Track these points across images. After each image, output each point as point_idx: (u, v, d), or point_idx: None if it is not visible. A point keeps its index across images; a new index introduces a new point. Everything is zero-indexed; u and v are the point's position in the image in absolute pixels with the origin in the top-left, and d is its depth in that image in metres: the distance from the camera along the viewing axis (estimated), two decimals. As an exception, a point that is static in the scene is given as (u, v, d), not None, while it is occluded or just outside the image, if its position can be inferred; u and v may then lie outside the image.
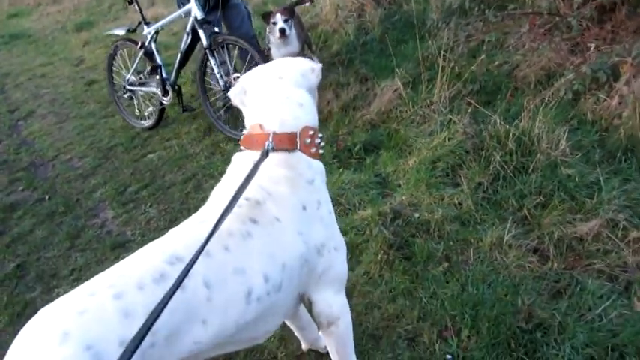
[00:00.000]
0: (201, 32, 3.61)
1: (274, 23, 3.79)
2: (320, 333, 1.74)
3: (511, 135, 2.63)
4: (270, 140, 1.37)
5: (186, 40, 3.84)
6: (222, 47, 3.69)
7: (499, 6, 4.09)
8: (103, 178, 3.80)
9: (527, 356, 1.83)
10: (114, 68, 4.43)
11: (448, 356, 1.90)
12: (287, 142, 1.39)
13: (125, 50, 4.29)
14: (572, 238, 2.21)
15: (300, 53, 4.10)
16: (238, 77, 3.58)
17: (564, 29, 3.62)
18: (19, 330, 2.54)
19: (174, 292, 0.99)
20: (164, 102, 4.12)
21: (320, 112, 3.65)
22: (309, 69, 1.53)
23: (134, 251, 2.94)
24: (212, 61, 3.62)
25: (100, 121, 4.80)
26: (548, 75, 3.33)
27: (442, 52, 3.42)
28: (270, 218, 1.31)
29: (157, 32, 4.07)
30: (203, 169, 3.59)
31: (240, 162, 1.43)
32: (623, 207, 2.25)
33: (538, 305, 2.01)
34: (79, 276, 2.84)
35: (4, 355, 2.40)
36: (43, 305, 2.62)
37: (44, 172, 4.14)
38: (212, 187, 3.30)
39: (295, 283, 1.35)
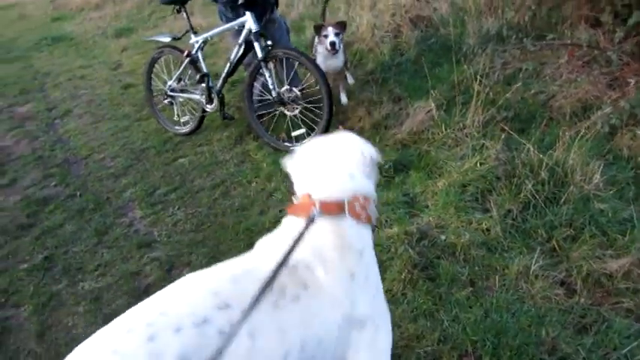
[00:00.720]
0: (256, 44, 3.67)
1: (326, 36, 3.89)
2: None
3: (544, 164, 2.60)
4: (318, 207, 1.35)
5: (237, 51, 3.89)
6: (274, 60, 3.76)
7: (537, 35, 4.09)
8: (134, 178, 3.87)
9: (549, 388, 1.79)
10: (153, 74, 4.52)
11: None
12: (334, 209, 1.37)
13: (170, 57, 4.37)
14: (602, 274, 2.16)
15: (343, 68, 4.17)
16: (290, 89, 3.70)
17: (603, 63, 3.60)
18: (42, 319, 2.58)
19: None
20: (207, 110, 4.18)
21: (351, 128, 3.71)
22: (368, 153, 1.53)
23: (162, 250, 2.97)
24: (266, 72, 3.69)
25: (134, 124, 4.90)
26: (584, 107, 3.30)
27: (478, 77, 3.43)
28: (319, 285, 1.27)
29: (204, 42, 4.15)
30: (232, 176, 3.63)
31: (290, 225, 1.39)
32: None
33: (562, 339, 1.97)
34: (103, 272, 2.89)
35: (26, 337, 2.43)
36: (68, 298, 2.67)
37: (77, 169, 4.24)
38: (240, 195, 3.38)
39: (331, 356, 1.28)
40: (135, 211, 3.44)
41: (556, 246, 2.37)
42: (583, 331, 2.03)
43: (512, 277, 2.27)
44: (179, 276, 2.72)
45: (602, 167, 2.72)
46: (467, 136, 3.24)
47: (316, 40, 4.09)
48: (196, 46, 4.11)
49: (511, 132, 3.09)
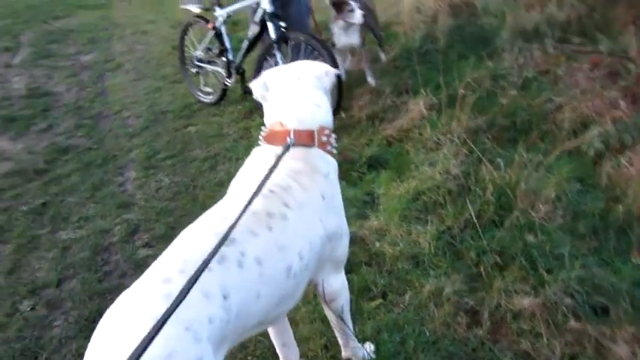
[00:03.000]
0: (270, 25, 3.72)
1: (351, 10, 3.87)
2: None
3: (493, 184, 2.48)
4: (292, 136, 1.53)
5: (254, 30, 3.99)
6: (287, 42, 3.79)
7: (568, 38, 3.80)
8: (144, 139, 4.13)
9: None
10: (186, 42, 4.70)
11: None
12: (306, 139, 1.55)
13: (198, 26, 4.53)
14: (509, 309, 2.08)
15: (360, 47, 4.14)
16: None
17: (625, 75, 3.29)
18: (16, 258, 2.88)
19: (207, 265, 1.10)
20: (227, 84, 4.33)
21: (351, 117, 3.70)
22: (324, 73, 1.68)
23: (136, 212, 3.17)
24: (277, 54, 3.74)
25: (167, 86, 5.17)
26: (584, 124, 3.05)
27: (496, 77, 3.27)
28: (299, 203, 1.44)
29: (228, 16, 4.26)
30: (226, 150, 3.77)
31: (261, 155, 1.57)
32: (577, 292, 2.06)
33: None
34: (82, 225, 3.18)
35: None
36: (44, 243, 2.96)
37: (104, 123, 4.58)
38: (224, 170, 3.51)
39: (315, 264, 1.49)
40: (130, 172, 3.69)
41: (482, 272, 2.29)
42: (471, 366, 1.99)
43: (424, 297, 2.23)
44: (139, 240, 2.96)
45: (570, 194, 2.56)
46: (450, 141, 3.12)
47: (332, 17, 4.05)
48: (220, 19, 4.22)
49: (492, 142, 2.96)
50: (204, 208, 3.09)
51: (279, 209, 1.40)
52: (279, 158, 1.46)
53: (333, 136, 1.64)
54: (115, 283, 2.65)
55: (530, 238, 2.31)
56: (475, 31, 4.60)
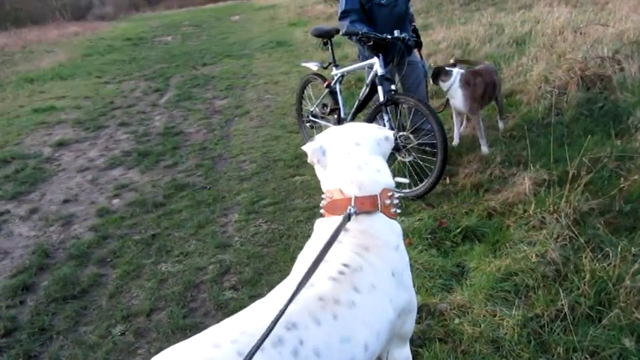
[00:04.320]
0: (379, 88, 3.82)
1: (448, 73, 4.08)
2: None
3: (591, 274, 2.23)
4: (352, 204, 1.47)
5: (364, 90, 4.14)
6: (396, 105, 3.84)
7: None
8: (253, 184, 4.34)
9: None
10: (304, 96, 4.94)
11: None
12: (369, 205, 1.49)
13: (315, 83, 4.76)
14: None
15: (469, 113, 4.14)
16: (404, 135, 3.77)
17: None
18: (119, 284, 3.13)
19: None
20: None
21: (455, 184, 3.58)
22: (384, 137, 1.64)
23: (230, 254, 3.32)
24: (385, 117, 3.81)
25: (285, 135, 5.42)
26: None
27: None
28: (369, 287, 1.36)
29: (342, 75, 4.43)
30: (325, 204, 3.81)
31: (324, 228, 1.51)
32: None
33: None
34: (181, 259, 3.38)
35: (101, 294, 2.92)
36: (146, 272, 3.22)
37: (221, 165, 4.91)
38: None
39: (381, 348, 1.42)
40: (234, 215, 3.89)
41: (570, 371, 2.05)
42: None
43: (496, 390, 2.04)
44: (227, 282, 3.08)
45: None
46: (558, 221, 2.88)
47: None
48: (335, 78, 4.39)
49: (605, 228, 2.68)
50: (293, 258, 3.16)
51: (348, 295, 1.31)
52: (338, 230, 1.38)
53: (396, 195, 1.57)
54: (197, 320, 2.75)
55: (630, 341, 2.02)
56: (607, 106, 4.27)
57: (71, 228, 4.02)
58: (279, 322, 1.15)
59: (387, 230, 1.49)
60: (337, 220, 1.45)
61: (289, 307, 1.19)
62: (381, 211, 1.50)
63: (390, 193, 1.53)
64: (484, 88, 4.06)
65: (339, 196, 1.51)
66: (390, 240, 1.49)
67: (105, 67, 10.75)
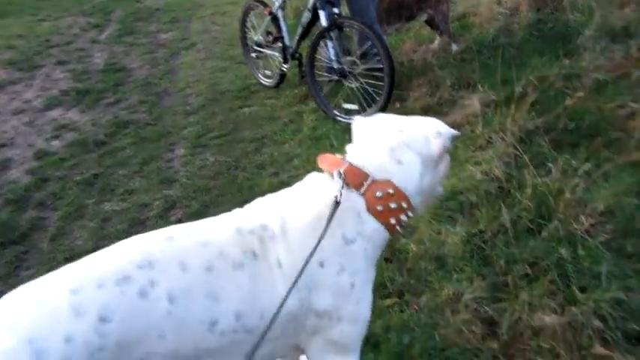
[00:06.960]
0: (321, 12, 3.63)
1: None
2: None
3: (533, 189, 2.24)
4: (342, 170, 1.23)
5: (307, 16, 3.92)
6: (341, 29, 3.68)
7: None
8: (199, 118, 4.18)
9: None
10: (247, 25, 4.69)
11: None
12: (352, 177, 1.22)
13: (258, 11, 4.51)
14: (530, 325, 1.87)
15: None
16: (350, 60, 3.63)
17: None
18: (61, 226, 3.00)
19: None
20: (283, 69, 4.29)
21: (404, 108, 3.52)
22: (435, 134, 1.31)
23: (176, 189, 3.22)
24: (329, 43, 3.66)
25: (233, 66, 5.21)
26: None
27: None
28: (275, 260, 1.17)
29: (284, 1, 4.20)
30: (274, 133, 3.72)
31: (305, 183, 1.33)
32: (610, 315, 1.79)
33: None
34: (125, 197, 3.25)
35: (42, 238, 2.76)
36: (88, 213, 3.08)
37: (167, 100, 4.70)
38: (268, 153, 3.47)
39: (277, 333, 1.19)
40: (180, 149, 3.75)
41: (509, 282, 2.08)
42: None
43: (441, 300, 2.07)
44: (173, 216, 3.00)
45: (624, 209, 2.25)
46: (503, 140, 2.87)
47: None
48: (276, 4, 4.17)
49: (550, 145, 2.68)
50: (242, 189, 3.09)
51: (241, 255, 1.14)
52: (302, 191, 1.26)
53: (409, 214, 1.27)
54: (142, 257, 2.68)
55: (567, 251, 2.06)
56: (557, 27, 4.21)
57: (8, 173, 3.81)
58: (132, 260, 1.08)
59: (351, 217, 1.21)
60: (324, 179, 1.28)
61: (154, 245, 1.12)
62: (363, 197, 1.22)
63: (390, 190, 1.23)
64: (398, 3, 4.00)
65: (337, 159, 1.30)
66: (348, 232, 1.21)
67: (40, 3, 10.00)
